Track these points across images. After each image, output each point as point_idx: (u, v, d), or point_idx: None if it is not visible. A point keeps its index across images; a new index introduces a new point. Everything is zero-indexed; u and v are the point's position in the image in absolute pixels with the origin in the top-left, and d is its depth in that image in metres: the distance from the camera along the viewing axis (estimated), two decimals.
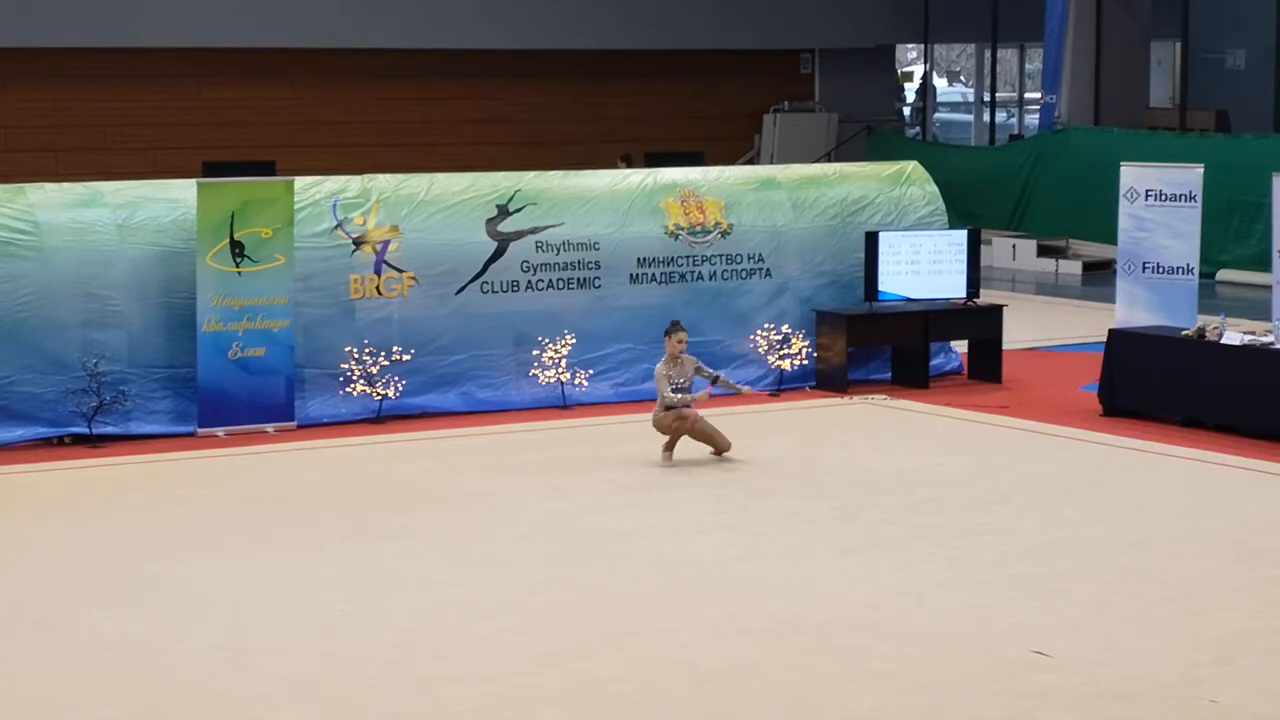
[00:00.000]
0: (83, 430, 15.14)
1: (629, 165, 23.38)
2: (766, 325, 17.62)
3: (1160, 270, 18.86)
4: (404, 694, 9.24)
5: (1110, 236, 20.80)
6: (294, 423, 15.73)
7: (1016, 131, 36.83)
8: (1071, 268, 27.41)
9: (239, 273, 15.54)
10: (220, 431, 15.43)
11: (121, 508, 13.09)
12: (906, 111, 38.37)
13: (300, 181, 16.33)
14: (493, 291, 16.77)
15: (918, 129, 36.27)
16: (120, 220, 15.62)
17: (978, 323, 18.16)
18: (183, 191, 15.88)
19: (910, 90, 40.11)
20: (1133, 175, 19.12)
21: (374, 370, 15.98)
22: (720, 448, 14.61)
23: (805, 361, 17.56)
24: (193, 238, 15.53)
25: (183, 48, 28.44)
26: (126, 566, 11.53)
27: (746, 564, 11.58)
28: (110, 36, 27.86)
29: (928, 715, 8.95)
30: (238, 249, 15.54)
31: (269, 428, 15.59)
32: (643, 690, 9.28)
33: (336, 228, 16.26)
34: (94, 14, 27.65)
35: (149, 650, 9.90)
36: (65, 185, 16.22)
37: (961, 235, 18.16)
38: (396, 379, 16.06)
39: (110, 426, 15.22)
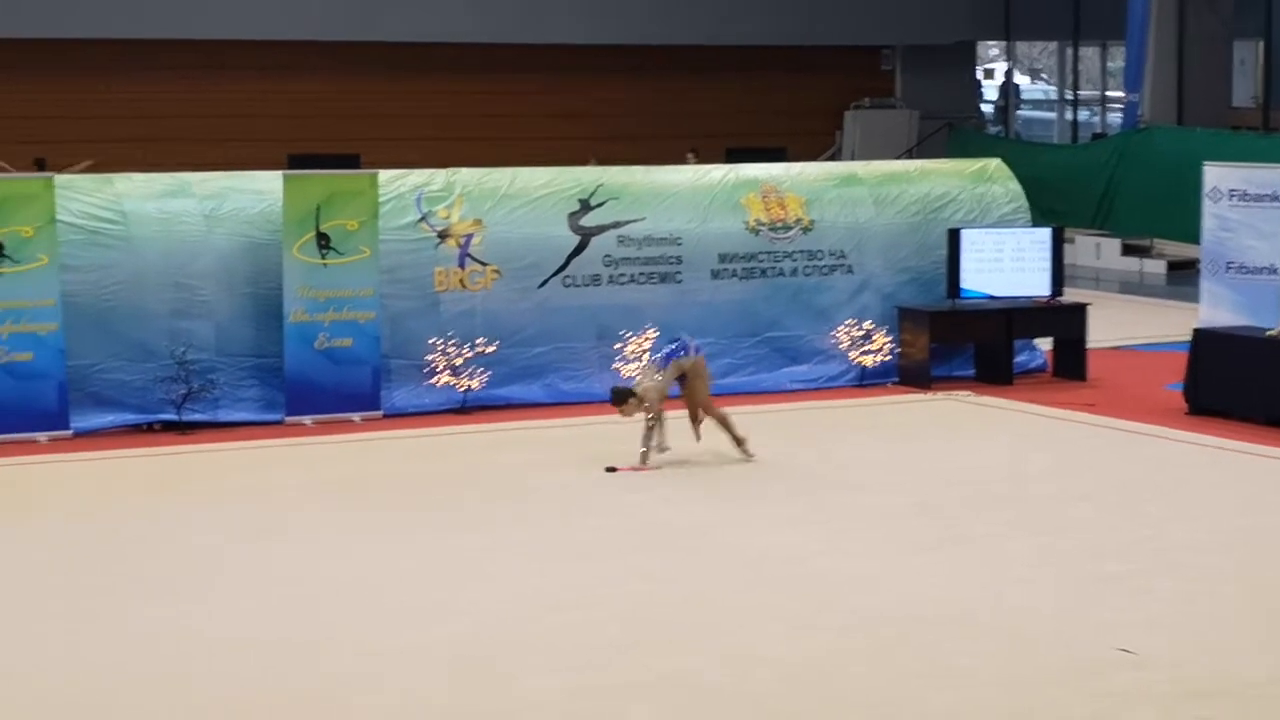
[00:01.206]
0: (172, 417, 15.30)
1: (698, 160, 23.38)
2: (848, 321, 17.62)
3: (1244, 270, 18.75)
4: (487, 686, 9.29)
5: (1194, 236, 20.67)
6: (380, 412, 15.84)
7: (1099, 130, 36.63)
8: (1156, 266, 27.27)
9: (325, 264, 15.66)
10: (307, 420, 15.56)
11: (209, 494, 13.21)
12: (988, 109, 38.22)
13: (385, 174, 16.44)
14: (575, 285, 16.83)
15: (1000, 126, 36.12)
16: (207, 211, 15.77)
17: (1061, 321, 18.09)
18: (269, 183, 16.01)
19: (992, 87, 39.94)
20: (1216, 175, 19.01)
21: (458, 361, 16.08)
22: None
23: (887, 357, 17.56)
24: (278, 229, 15.66)
25: (268, 40, 28.65)
26: (212, 553, 11.63)
27: (827, 559, 11.58)
28: (197, 29, 28.11)
29: (1009, 713, 8.94)
30: (323, 241, 15.66)
31: (355, 417, 15.71)
32: (727, 685, 9.29)
33: (421, 221, 16.36)
34: (181, 7, 27.89)
35: (234, 638, 10.00)
36: (153, 175, 16.38)
37: (1045, 233, 18.10)
38: (480, 370, 16.15)
39: (199, 414, 15.37)
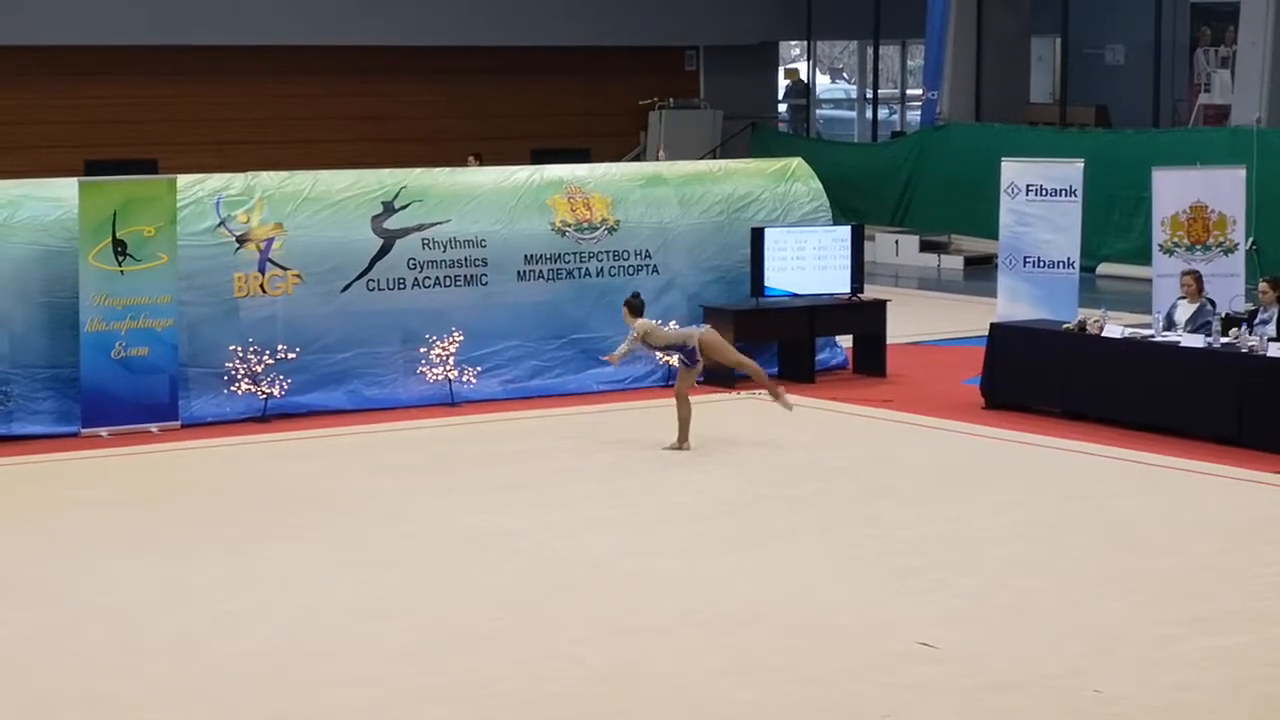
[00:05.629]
0: None
1: (481, 164, 23.26)
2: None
3: (1041, 264, 19.10)
4: (289, 696, 9.21)
5: (992, 231, 21.01)
6: (178, 422, 15.61)
7: (899, 128, 37.06)
8: (954, 263, 27.64)
9: (122, 271, 15.41)
10: (104, 431, 15.30)
11: (5, 509, 12.95)
12: (789, 108, 38.49)
13: (183, 179, 16.22)
14: (379, 289, 16.71)
15: (791, 125, 36.37)
16: (1, 219, 15.45)
17: (862, 318, 18.30)
18: (64, 190, 15.74)
19: (794, 87, 40.24)
20: (1013, 170, 19.35)
21: (259, 369, 15.89)
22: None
23: None
24: (74, 236, 15.39)
25: (62, 45, 28.14)
26: (7, 568, 11.41)
27: (636, 560, 11.61)
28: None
29: (812, 707, 9.02)
30: (120, 248, 15.42)
31: (153, 427, 15.47)
32: (530, 688, 9.29)
33: (220, 225, 16.16)
34: None
35: (31, 653, 9.81)
36: None
37: (845, 231, 18.30)
38: (282, 377, 15.97)
39: None
